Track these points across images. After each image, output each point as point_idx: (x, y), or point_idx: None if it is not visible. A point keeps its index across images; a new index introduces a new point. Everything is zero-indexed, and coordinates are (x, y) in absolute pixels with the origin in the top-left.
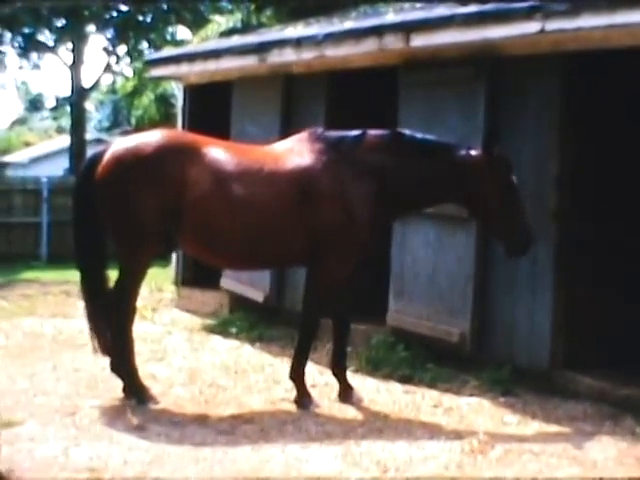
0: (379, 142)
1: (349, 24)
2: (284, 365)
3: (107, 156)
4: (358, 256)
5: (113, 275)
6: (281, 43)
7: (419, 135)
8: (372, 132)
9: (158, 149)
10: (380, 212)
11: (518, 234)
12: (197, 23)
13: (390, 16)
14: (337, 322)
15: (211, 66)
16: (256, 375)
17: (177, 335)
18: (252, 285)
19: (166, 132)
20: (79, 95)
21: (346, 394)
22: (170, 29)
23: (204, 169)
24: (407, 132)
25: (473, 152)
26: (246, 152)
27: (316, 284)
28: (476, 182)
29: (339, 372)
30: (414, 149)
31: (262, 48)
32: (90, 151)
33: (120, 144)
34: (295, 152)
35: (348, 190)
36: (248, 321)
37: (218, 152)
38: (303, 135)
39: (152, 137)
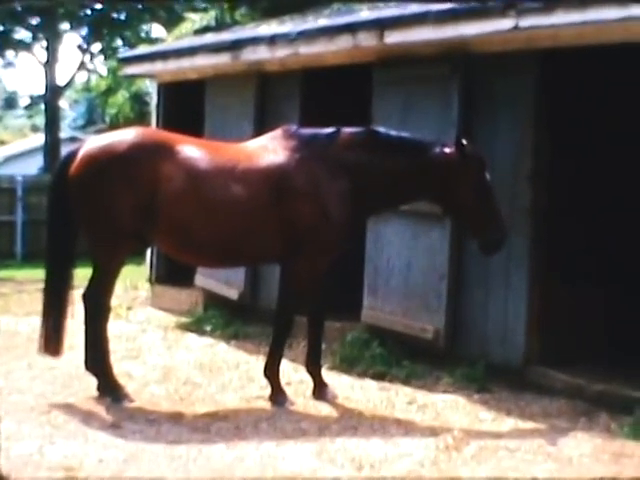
0: (353, 139)
1: (323, 22)
2: (259, 363)
3: (80, 154)
4: (332, 253)
5: (81, 273)
6: (255, 41)
7: (393, 133)
8: (346, 130)
9: (131, 147)
10: (354, 209)
11: (492, 231)
12: (171, 21)
13: (364, 13)
14: (312, 319)
15: (185, 64)
16: (231, 373)
17: (152, 333)
18: (226, 283)
19: (140, 130)
20: (53, 93)
21: (321, 391)
22: (144, 27)
23: (177, 167)
24: (381, 130)
25: (447, 150)
26: (220, 150)
27: (290, 281)
28: (450, 179)
29: (314, 369)
30: (388, 147)
31: (236, 46)
32: (65, 149)
33: (93, 142)
34: (269, 149)
35: (322, 187)
36: (223, 319)
37: (192, 150)
38: (277, 132)
39: (125, 135)
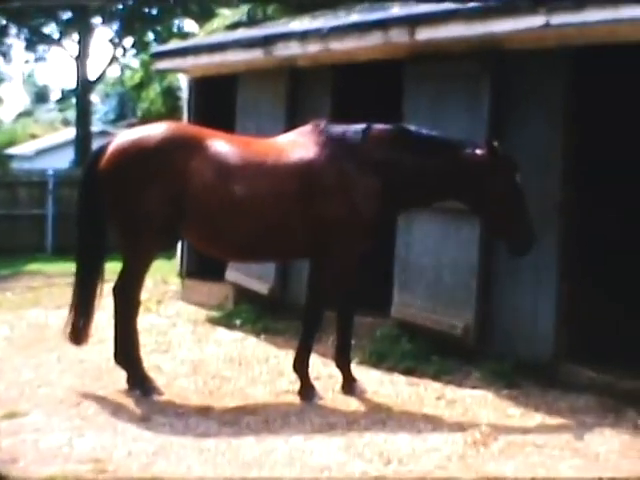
0: (383, 136)
1: (354, 18)
2: (288, 357)
3: (111, 148)
4: (362, 249)
5: (111, 267)
6: (286, 36)
7: (424, 131)
8: (376, 126)
9: (161, 141)
10: (383, 206)
11: (520, 234)
12: (203, 16)
13: (395, 10)
14: (341, 315)
15: (217, 59)
16: (260, 367)
17: (182, 327)
18: (257, 277)
19: (170, 125)
20: (85, 87)
21: (350, 386)
22: (176, 22)
23: (207, 161)
24: (412, 127)
25: (478, 151)
26: (250, 145)
27: (320, 277)
28: (480, 181)
29: (343, 364)
30: (418, 145)
31: (268, 41)
32: (96, 143)
33: (124, 136)
34: (299, 145)
35: (351, 183)
36: (252, 313)
37: (222, 145)
38: (307, 128)
39: (156, 129)
